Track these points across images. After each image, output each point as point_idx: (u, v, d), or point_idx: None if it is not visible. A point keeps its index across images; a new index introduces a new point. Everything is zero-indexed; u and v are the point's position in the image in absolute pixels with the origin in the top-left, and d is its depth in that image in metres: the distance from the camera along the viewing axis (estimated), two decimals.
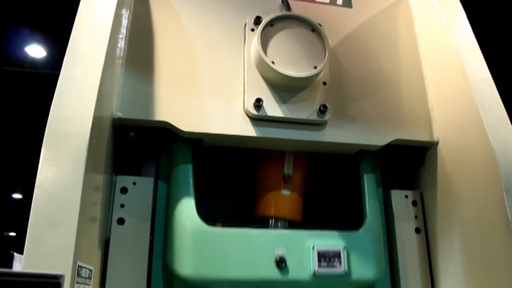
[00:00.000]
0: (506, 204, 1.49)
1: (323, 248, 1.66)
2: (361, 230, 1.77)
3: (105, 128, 1.55)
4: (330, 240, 1.69)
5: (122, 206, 1.69)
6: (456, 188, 1.74)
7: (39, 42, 8.59)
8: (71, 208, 1.23)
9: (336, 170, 2.11)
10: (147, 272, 1.66)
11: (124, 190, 1.71)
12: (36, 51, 8.78)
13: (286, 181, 1.85)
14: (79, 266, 1.24)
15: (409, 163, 2.06)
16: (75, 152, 1.30)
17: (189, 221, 1.65)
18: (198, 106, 1.71)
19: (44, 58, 8.86)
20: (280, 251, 1.63)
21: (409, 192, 1.96)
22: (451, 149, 1.81)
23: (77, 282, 1.23)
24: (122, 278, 1.62)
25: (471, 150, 1.68)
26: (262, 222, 1.82)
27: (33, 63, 8.99)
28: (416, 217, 1.93)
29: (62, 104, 1.38)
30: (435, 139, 1.88)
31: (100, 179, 1.52)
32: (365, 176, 1.89)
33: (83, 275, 1.29)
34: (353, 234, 1.74)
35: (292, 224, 1.82)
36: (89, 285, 1.38)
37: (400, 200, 1.94)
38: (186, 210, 1.67)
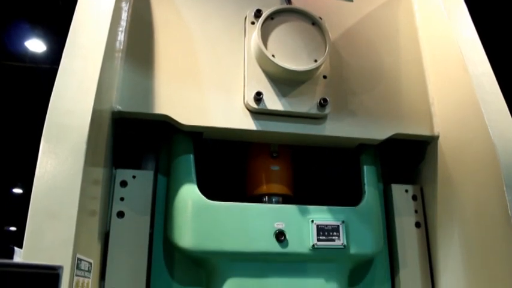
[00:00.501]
0: (507, 198, 1.49)
1: (322, 222, 1.70)
2: (360, 206, 1.80)
3: (104, 121, 1.55)
4: (329, 215, 1.73)
5: (122, 199, 1.69)
6: (456, 182, 1.74)
7: (39, 36, 8.56)
8: (70, 201, 1.22)
9: (336, 164, 2.12)
10: (147, 265, 1.66)
11: (124, 183, 1.71)
12: (36, 45, 8.74)
13: (274, 157, 1.86)
14: (78, 259, 1.24)
15: (409, 157, 2.06)
16: (74, 144, 1.29)
17: (189, 195, 1.67)
18: (198, 99, 1.70)
19: (44, 53, 8.83)
20: (279, 225, 1.66)
21: (409, 187, 1.96)
22: (452, 143, 1.80)
23: (77, 275, 1.23)
24: (122, 271, 1.62)
25: (472, 144, 1.68)
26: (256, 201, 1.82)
27: (33, 58, 8.96)
28: (416, 211, 1.93)
29: (61, 96, 1.37)
30: (436, 133, 1.88)
31: (100, 172, 1.51)
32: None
33: (82, 267, 1.29)
34: (352, 209, 1.77)
35: (286, 200, 1.82)
36: (89, 278, 1.38)
37: (400, 194, 1.94)
38: (187, 188, 1.69)
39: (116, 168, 1.74)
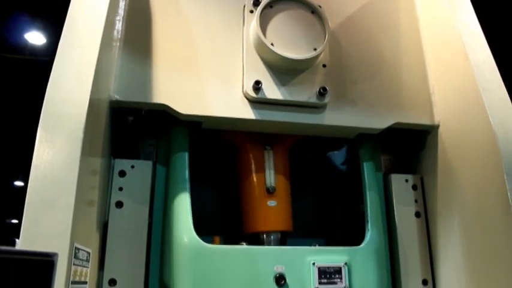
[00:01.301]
0: (507, 186, 1.48)
1: (324, 264, 1.62)
2: (363, 245, 1.73)
3: (102, 110, 1.54)
4: (331, 256, 1.65)
5: (120, 189, 1.68)
6: (456, 172, 1.73)
7: (39, 29, 8.52)
8: (67, 189, 1.22)
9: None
10: (145, 255, 1.66)
11: (122, 173, 1.70)
12: (35, 38, 8.71)
13: (270, 192, 1.80)
14: (76, 248, 1.24)
15: (409, 147, 2.04)
16: (71, 133, 1.28)
17: (186, 237, 1.60)
18: (196, 89, 1.69)
19: (43, 45, 8.80)
20: (279, 268, 1.58)
21: (409, 177, 1.95)
22: (452, 132, 1.79)
23: (74, 264, 1.22)
24: (121, 261, 1.61)
25: (472, 133, 1.67)
26: (254, 238, 1.79)
27: (33, 50, 8.93)
28: (416, 201, 1.92)
29: (58, 85, 1.36)
30: (436, 122, 1.86)
31: (97, 162, 1.50)
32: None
33: (80, 257, 1.29)
34: (354, 249, 1.70)
35: (285, 235, 1.79)
36: (87, 267, 1.38)
37: (400, 184, 1.93)
38: (183, 225, 1.62)
39: (114, 158, 1.73)
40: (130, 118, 1.82)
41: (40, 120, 1.30)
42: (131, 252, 1.63)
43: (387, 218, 1.92)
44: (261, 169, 1.82)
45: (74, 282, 1.22)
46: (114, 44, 1.67)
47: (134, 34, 1.73)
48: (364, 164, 1.87)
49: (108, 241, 1.62)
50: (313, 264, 1.61)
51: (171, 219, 1.65)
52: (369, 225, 1.77)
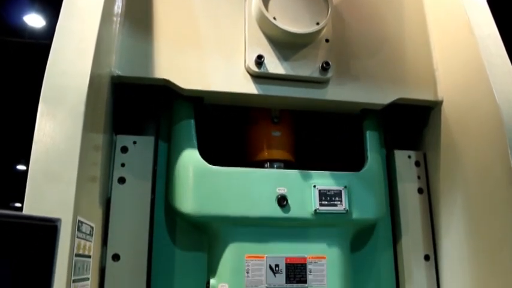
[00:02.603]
0: (511, 161, 1.47)
1: (324, 187, 1.69)
2: (363, 171, 1.79)
3: (103, 85, 1.53)
4: (331, 180, 1.71)
5: (123, 165, 1.68)
6: (460, 148, 1.72)
7: (38, 11, 8.45)
8: (69, 162, 1.21)
9: (338, 130, 2.10)
10: (149, 231, 1.66)
11: (124, 149, 1.70)
12: (35, 20, 8.64)
13: (275, 123, 1.85)
14: (79, 221, 1.24)
15: (412, 123, 2.03)
16: (73, 106, 1.27)
17: (190, 161, 1.67)
18: (198, 63, 1.67)
19: (43, 28, 8.72)
20: (281, 190, 1.66)
21: (412, 153, 1.94)
22: (456, 108, 1.78)
23: (78, 237, 1.23)
24: (124, 237, 1.62)
25: (476, 108, 1.65)
26: (257, 166, 1.82)
27: (32, 33, 8.87)
28: (419, 177, 1.91)
29: (58, 57, 1.34)
30: (439, 98, 1.85)
31: (99, 138, 1.50)
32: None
33: (83, 230, 1.29)
34: (354, 174, 1.76)
35: (288, 166, 1.82)
36: (90, 241, 1.38)
37: (403, 160, 1.92)
38: (189, 153, 1.68)
39: (116, 134, 1.72)
40: (132, 95, 1.81)
41: (41, 93, 1.29)
42: (134, 228, 1.64)
43: (390, 195, 1.92)
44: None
45: (78, 255, 1.23)
46: (115, 18, 1.65)
47: (135, 9, 1.70)
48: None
49: (111, 217, 1.63)
50: (314, 186, 1.68)
51: (177, 154, 1.70)
52: (368, 153, 1.83)
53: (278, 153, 1.82)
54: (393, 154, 1.93)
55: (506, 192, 1.48)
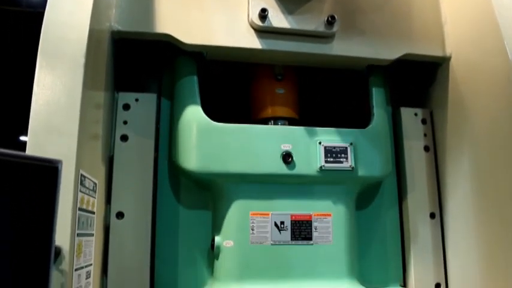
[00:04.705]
0: None
1: (330, 144, 1.67)
2: (369, 128, 1.76)
3: (103, 40, 1.49)
4: (337, 137, 1.69)
5: (125, 122, 1.66)
6: (468, 105, 1.68)
7: None
8: (70, 114, 1.19)
9: (343, 86, 2.06)
10: (152, 188, 1.65)
11: (126, 107, 1.67)
12: None
13: (278, 80, 1.81)
14: (82, 175, 1.22)
15: (419, 80, 1.99)
16: (72, 58, 1.24)
17: (194, 118, 1.64)
18: (200, 18, 1.63)
19: None
20: (286, 146, 1.64)
21: (418, 110, 1.91)
22: (464, 64, 1.73)
23: (81, 191, 1.21)
24: (128, 195, 1.61)
25: (486, 63, 1.60)
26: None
27: (30, 2, 8.73)
28: (425, 135, 1.89)
29: (56, 9, 1.30)
30: (447, 54, 1.80)
31: (100, 94, 1.47)
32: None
33: (86, 185, 1.27)
34: (360, 131, 1.74)
35: (292, 123, 1.79)
36: (94, 197, 1.37)
37: (410, 117, 1.89)
38: (192, 110, 1.66)
39: (118, 92, 1.69)
40: (133, 51, 1.77)
41: (39, 45, 1.25)
42: (138, 186, 1.62)
43: (396, 153, 1.90)
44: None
45: (81, 209, 1.21)
46: None
47: None
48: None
49: (114, 174, 1.61)
50: (320, 143, 1.66)
51: (180, 110, 1.68)
52: (374, 110, 1.81)
53: (282, 111, 1.79)
54: (399, 111, 1.89)
55: None
